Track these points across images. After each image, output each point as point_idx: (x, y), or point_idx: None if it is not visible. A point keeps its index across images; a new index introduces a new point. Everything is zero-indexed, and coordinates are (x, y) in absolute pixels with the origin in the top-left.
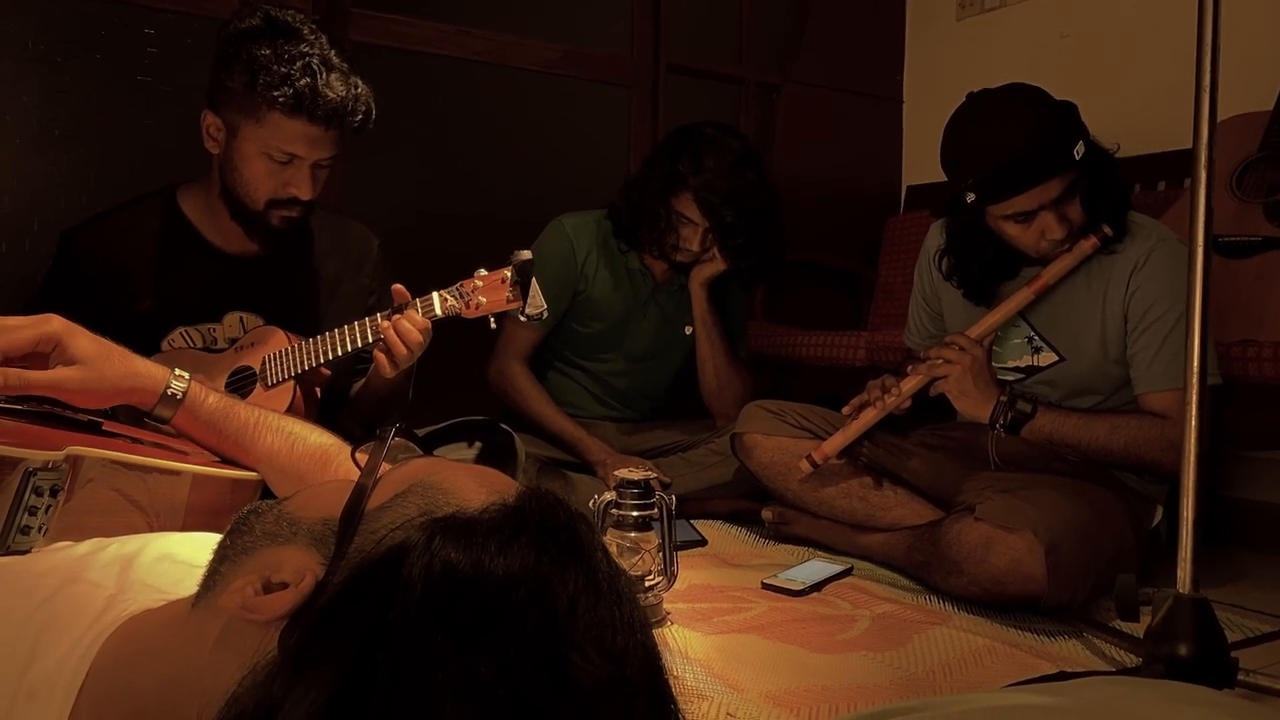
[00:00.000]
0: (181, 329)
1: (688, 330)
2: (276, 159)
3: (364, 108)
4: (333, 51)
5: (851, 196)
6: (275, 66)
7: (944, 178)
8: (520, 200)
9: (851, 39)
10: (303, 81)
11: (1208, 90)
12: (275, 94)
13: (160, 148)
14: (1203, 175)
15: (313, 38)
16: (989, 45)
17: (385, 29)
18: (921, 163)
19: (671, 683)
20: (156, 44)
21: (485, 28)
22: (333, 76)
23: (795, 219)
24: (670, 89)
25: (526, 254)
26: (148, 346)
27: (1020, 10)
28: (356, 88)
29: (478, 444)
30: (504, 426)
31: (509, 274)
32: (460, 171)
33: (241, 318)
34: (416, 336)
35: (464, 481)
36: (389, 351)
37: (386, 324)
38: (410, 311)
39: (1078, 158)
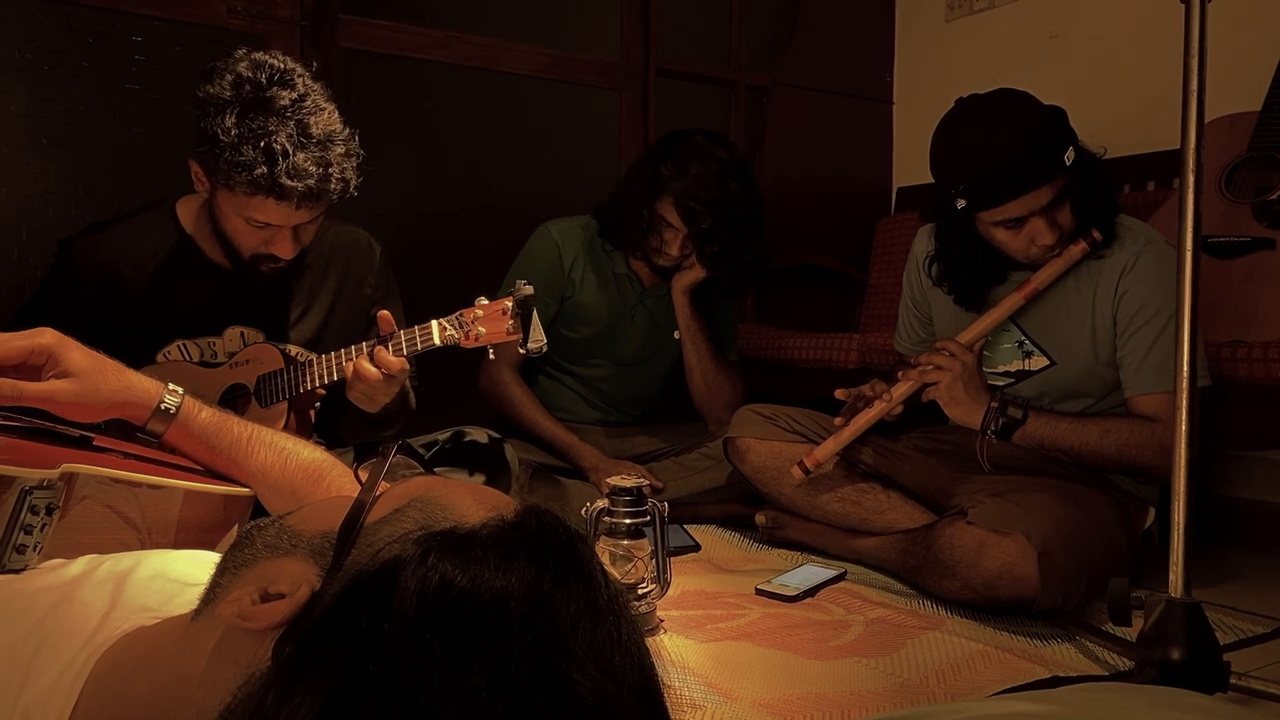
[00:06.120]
0: (180, 342)
1: (676, 335)
2: (253, 224)
3: (338, 185)
4: (314, 118)
5: (842, 198)
6: (237, 150)
7: (934, 179)
8: (512, 205)
9: (841, 41)
10: (260, 170)
11: (1195, 94)
12: (235, 176)
13: (149, 156)
14: (1191, 179)
15: (289, 105)
16: (978, 46)
17: (375, 35)
18: (912, 164)
19: (667, 703)
20: (144, 51)
21: (475, 32)
22: (301, 156)
23: (786, 221)
24: (660, 92)
25: (529, 289)
26: (143, 358)
27: (1009, 11)
28: (328, 166)
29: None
30: (497, 436)
31: (510, 305)
32: (452, 176)
33: (242, 332)
34: (374, 376)
35: (462, 498)
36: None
37: (349, 364)
38: (380, 350)
39: (1067, 164)
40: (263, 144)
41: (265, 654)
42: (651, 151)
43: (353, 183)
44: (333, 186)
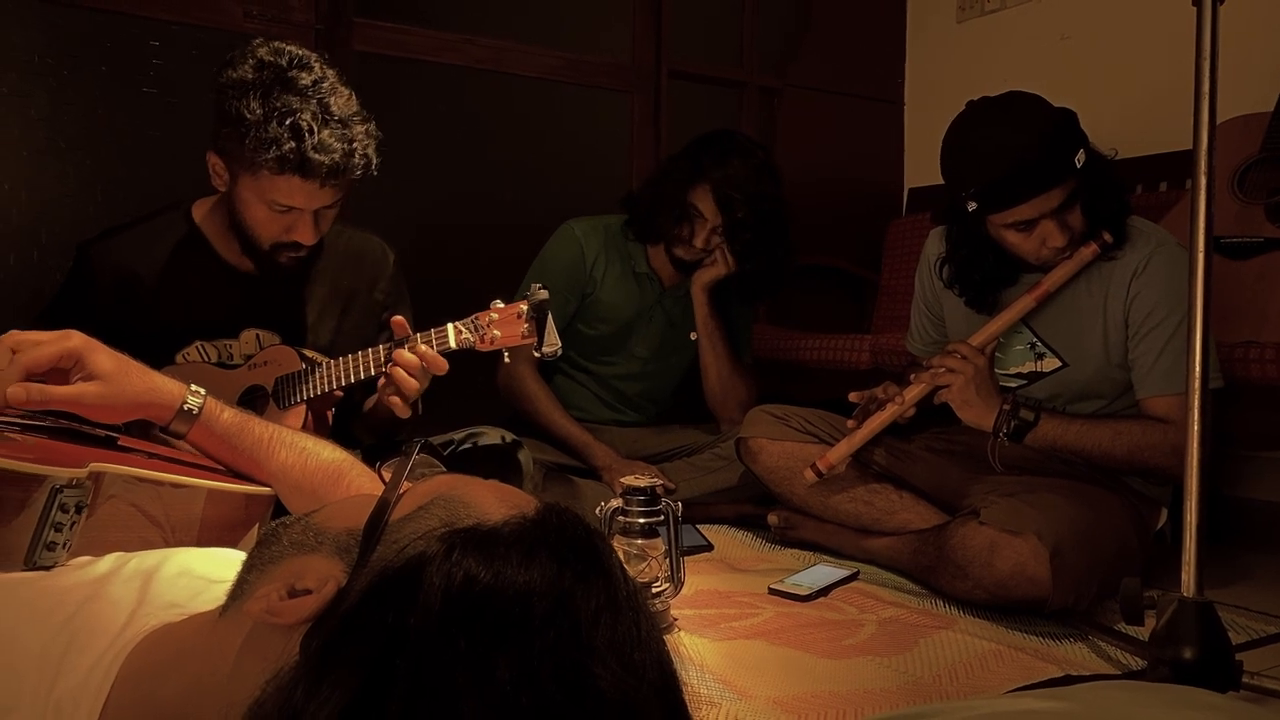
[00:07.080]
0: (198, 343)
1: (693, 335)
2: (276, 209)
3: (362, 161)
4: (333, 99)
5: (853, 199)
6: (263, 128)
7: (945, 181)
8: (524, 207)
9: (852, 42)
10: (288, 146)
11: (1207, 95)
12: (264, 155)
13: (166, 159)
14: (1203, 181)
15: (310, 85)
16: (989, 47)
17: (388, 38)
18: (923, 165)
19: (685, 698)
20: (161, 55)
21: (487, 35)
22: (325, 133)
23: (798, 222)
24: (671, 94)
25: (544, 293)
26: (163, 359)
27: (1020, 12)
28: (352, 143)
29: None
30: (512, 437)
31: (525, 309)
32: (464, 179)
33: (258, 334)
34: (412, 387)
35: (484, 496)
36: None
37: (375, 365)
38: (414, 344)
39: (1078, 166)
40: (289, 121)
41: (293, 649)
42: (692, 144)
43: (374, 162)
44: (356, 163)
